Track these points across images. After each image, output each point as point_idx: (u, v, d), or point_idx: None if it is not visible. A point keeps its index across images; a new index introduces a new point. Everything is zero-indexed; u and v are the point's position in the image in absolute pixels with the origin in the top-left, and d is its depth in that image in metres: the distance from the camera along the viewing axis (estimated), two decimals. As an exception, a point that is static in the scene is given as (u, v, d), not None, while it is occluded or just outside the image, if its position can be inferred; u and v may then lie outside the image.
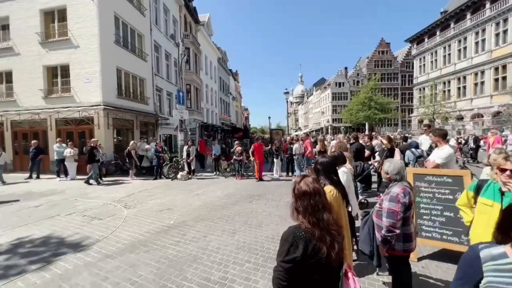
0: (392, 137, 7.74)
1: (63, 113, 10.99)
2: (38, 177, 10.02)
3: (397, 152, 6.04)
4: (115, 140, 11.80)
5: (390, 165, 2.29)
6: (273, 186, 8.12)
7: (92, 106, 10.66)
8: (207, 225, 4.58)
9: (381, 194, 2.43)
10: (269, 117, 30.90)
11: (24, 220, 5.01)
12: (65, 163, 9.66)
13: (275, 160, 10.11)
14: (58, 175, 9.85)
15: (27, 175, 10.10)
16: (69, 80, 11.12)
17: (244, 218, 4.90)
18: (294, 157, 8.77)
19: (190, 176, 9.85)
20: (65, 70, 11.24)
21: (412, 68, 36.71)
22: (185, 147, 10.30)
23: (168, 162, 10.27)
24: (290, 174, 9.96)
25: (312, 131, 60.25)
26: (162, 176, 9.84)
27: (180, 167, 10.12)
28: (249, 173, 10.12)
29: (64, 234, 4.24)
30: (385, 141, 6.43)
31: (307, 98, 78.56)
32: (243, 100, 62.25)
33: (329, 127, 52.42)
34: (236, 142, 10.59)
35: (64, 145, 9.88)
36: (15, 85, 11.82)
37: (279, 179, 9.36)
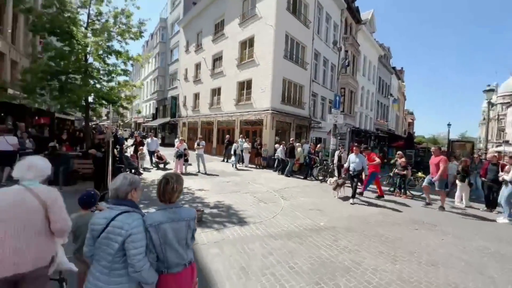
0: None
1: (245, 116, 14.61)
2: (227, 161, 14.08)
3: None
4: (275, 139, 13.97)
5: None
6: (454, 217, 5.99)
7: (264, 110, 13.29)
8: (359, 238, 4.21)
9: None
10: (449, 124, 22.97)
11: (222, 189, 7.22)
12: (243, 153, 12.82)
13: (458, 183, 7.38)
14: (237, 162, 13.26)
15: (221, 158, 14.48)
16: (250, 91, 14.59)
17: (408, 247, 3.99)
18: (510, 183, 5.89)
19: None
20: (248, 84, 14.86)
21: None
22: (337, 152, 10.15)
23: (318, 165, 10.62)
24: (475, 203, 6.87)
25: (536, 147, 37.94)
26: (312, 177, 10.34)
27: (330, 171, 10.13)
28: (414, 192, 8.18)
29: (242, 207, 5.61)
30: None
31: (529, 96, 50.29)
32: (408, 102, 51.34)
33: None
34: (398, 153, 8.88)
35: (244, 140, 13.15)
36: (221, 96, 17.32)
37: (465, 209, 6.76)
